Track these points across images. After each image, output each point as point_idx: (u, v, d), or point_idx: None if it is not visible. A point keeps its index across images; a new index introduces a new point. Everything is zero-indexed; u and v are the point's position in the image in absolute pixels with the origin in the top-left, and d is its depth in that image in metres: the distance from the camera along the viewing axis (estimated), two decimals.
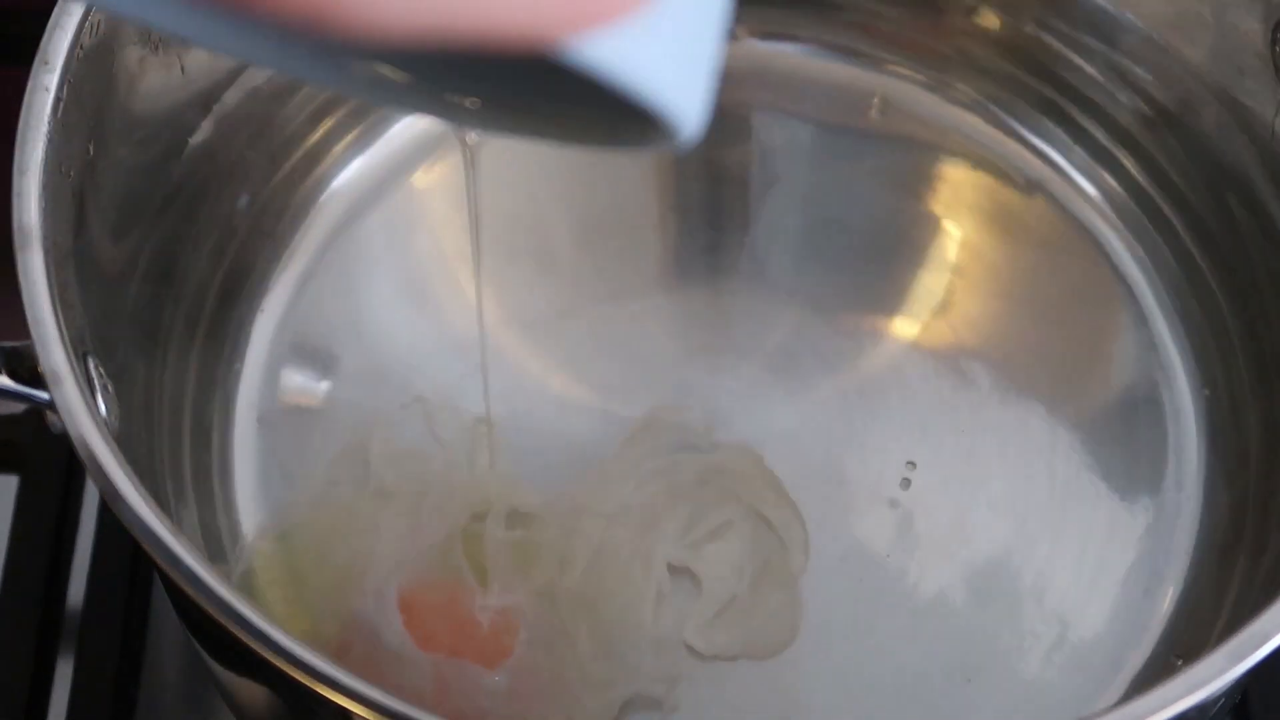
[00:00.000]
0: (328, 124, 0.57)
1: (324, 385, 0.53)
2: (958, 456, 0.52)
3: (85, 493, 0.55)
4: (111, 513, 0.38)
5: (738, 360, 0.54)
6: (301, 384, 0.53)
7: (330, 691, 0.35)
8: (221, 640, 0.39)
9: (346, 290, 0.55)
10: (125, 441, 0.45)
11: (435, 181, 0.57)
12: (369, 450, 0.50)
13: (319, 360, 0.54)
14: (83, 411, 0.39)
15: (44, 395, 0.39)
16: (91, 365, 0.42)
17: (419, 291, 0.55)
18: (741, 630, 0.49)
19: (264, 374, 0.53)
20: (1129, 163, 0.57)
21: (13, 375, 0.40)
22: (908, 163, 0.58)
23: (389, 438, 0.51)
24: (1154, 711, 0.36)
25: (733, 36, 0.59)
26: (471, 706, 0.46)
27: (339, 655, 0.46)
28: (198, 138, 0.52)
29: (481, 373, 0.50)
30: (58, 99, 0.43)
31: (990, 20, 0.57)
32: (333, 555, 0.48)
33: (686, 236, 0.56)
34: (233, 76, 0.52)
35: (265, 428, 0.52)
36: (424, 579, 0.47)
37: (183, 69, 0.50)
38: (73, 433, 0.39)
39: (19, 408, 0.52)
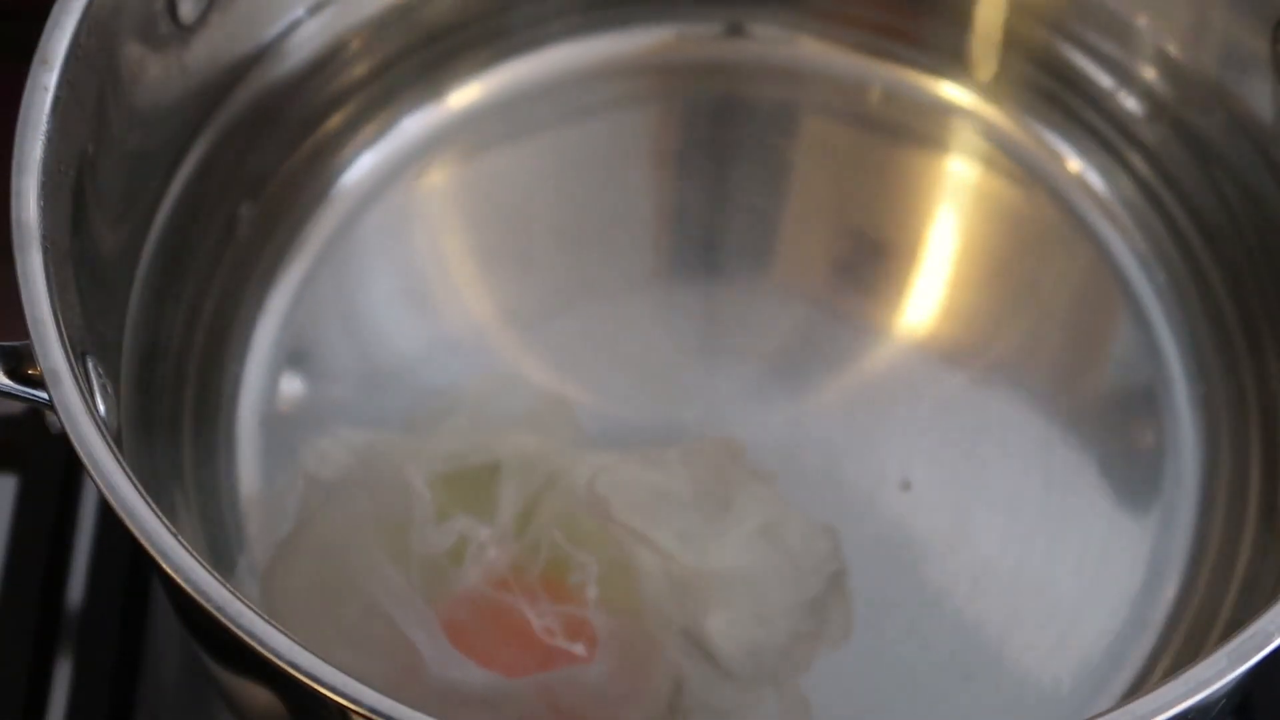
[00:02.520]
0: (328, 124, 0.57)
1: (325, 387, 0.53)
2: (958, 455, 0.52)
3: (85, 493, 0.55)
4: (111, 513, 0.38)
5: (736, 359, 0.54)
6: (302, 385, 0.53)
7: (330, 692, 0.35)
8: (221, 641, 0.39)
9: (348, 291, 0.55)
10: (124, 442, 0.45)
11: (436, 181, 0.57)
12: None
13: (320, 362, 0.54)
14: (82, 411, 0.39)
15: (43, 395, 0.39)
16: (91, 365, 0.42)
17: (420, 293, 0.55)
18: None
19: (265, 375, 0.53)
20: (1131, 159, 0.57)
21: (12, 375, 0.40)
22: (909, 157, 0.58)
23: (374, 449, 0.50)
24: (1154, 712, 0.36)
25: (732, 30, 0.59)
26: (583, 701, 0.46)
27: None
28: (197, 137, 0.52)
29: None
30: (57, 98, 0.43)
31: (993, 14, 0.57)
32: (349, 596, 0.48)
33: (684, 235, 0.56)
34: (233, 76, 0.52)
35: (266, 429, 0.52)
36: (456, 604, 0.47)
37: (183, 68, 0.50)
38: (72, 433, 0.39)
39: (18, 408, 0.52)
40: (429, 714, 0.35)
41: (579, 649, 0.46)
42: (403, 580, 0.46)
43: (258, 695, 0.42)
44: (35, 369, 0.39)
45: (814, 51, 0.59)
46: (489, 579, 0.47)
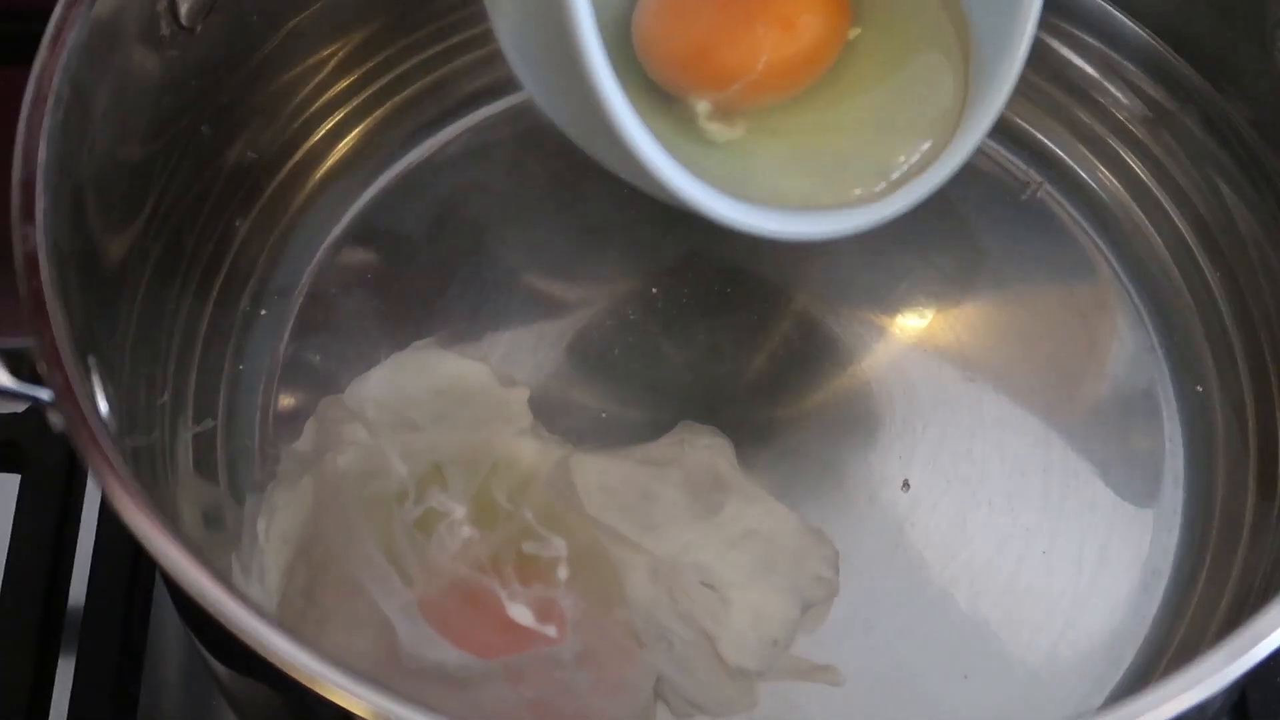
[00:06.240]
0: (328, 124, 0.57)
1: (323, 386, 0.53)
2: (957, 456, 0.52)
3: (86, 491, 0.55)
4: (112, 511, 0.38)
5: (738, 359, 0.54)
6: (301, 384, 0.53)
7: (330, 691, 0.35)
8: (222, 640, 0.39)
9: (345, 292, 0.55)
10: (126, 440, 0.45)
11: (434, 183, 0.57)
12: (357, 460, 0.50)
13: (318, 361, 0.54)
14: (83, 410, 0.39)
15: (44, 394, 0.39)
16: (91, 365, 0.42)
17: (416, 291, 0.55)
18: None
19: (265, 375, 0.53)
20: (1127, 159, 0.57)
21: (13, 375, 0.40)
22: None
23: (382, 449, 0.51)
24: (1152, 711, 0.36)
25: None
26: (552, 683, 0.46)
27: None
28: (198, 138, 0.52)
29: None
30: (58, 98, 0.43)
31: None
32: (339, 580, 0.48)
33: (686, 235, 0.56)
34: (234, 78, 0.53)
35: (265, 427, 0.52)
36: (434, 584, 0.47)
37: (184, 69, 0.50)
38: (72, 432, 0.39)
39: (20, 407, 0.52)
40: (407, 696, 0.35)
41: (550, 630, 0.46)
42: (383, 560, 0.47)
43: (258, 695, 0.43)
44: (36, 369, 0.39)
45: None
46: (465, 560, 0.47)
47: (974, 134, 0.48)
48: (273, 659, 0.36)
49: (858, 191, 0.48)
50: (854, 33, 0.50)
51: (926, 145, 0.49)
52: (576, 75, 0.42)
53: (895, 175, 0.48)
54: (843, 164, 0.49)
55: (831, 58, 0.50)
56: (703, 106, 0.49)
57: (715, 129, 0.49)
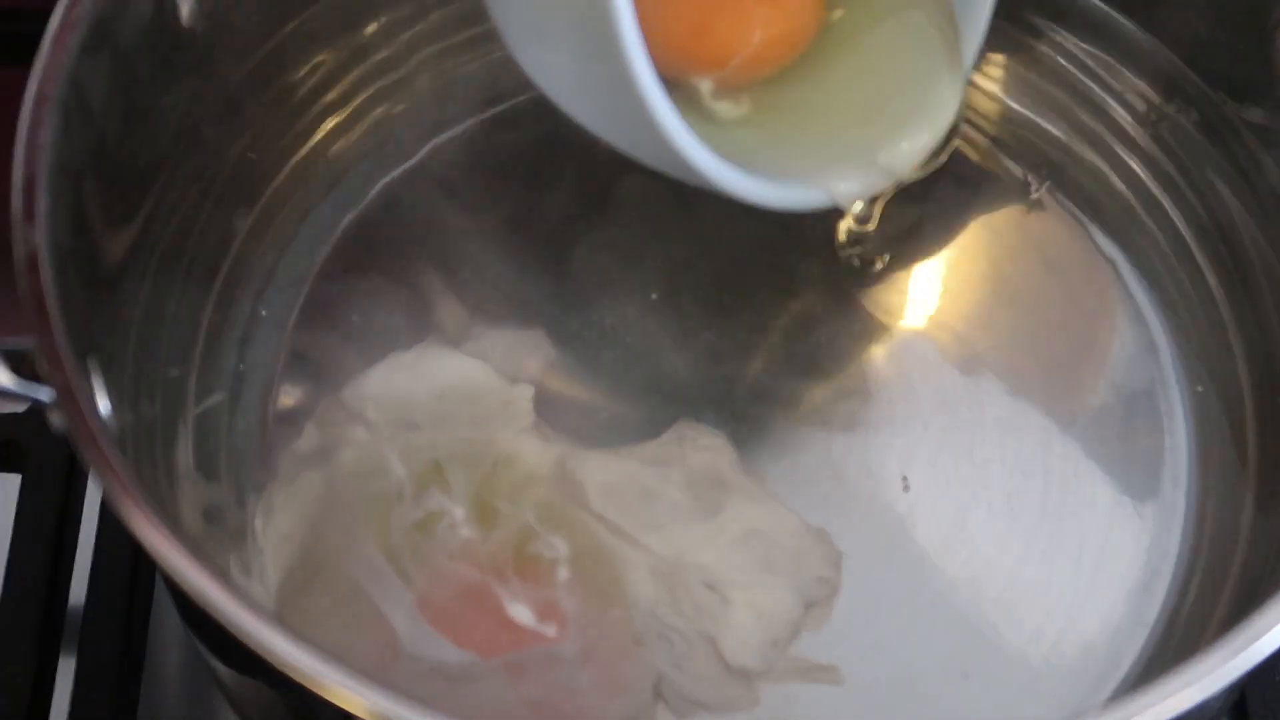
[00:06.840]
0: (330, 123, 0.57)
1: (324, 386, 0.53)
2: (957, 456, 0.52)
3: (87, 492, 0.55)
4: (113, 512, 0.38)
5: (738, 358, 0.54)
6: (301, 385, 0.53)
7: (330, 691, 0.35)
8: (223, 640, 0.39)
9: (350, 292, 0.55)
10: (126, 440, 0.45)
11: (434, 183, 0.57)
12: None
13: (318, 361, 0.54)
14: (83, 410, 0.39)
15: (45, 394, 0.39)
16: (92, 364, 0.42)
17: (417, 293, 0.55)
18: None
19: (266, 374, 0.53)
20: (1127, 159, 0.57)
21: (14, 374, 0.40)
22: None
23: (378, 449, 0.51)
24: (1153, 710, 0.36)
25: None
26: (552, 682, 0.46)
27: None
28: (199, 138, 0.52)
29: None
30: (58, 98, 0.43)
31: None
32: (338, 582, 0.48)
33: (686, 237, 0.56)
34: (234, 78, 0.53)
35: (265, 427, 0.52)
36: (434, 583, 0.47)
37: (184, 69, 0.50)
38: (73, 432, 0.39)
39: (20, 407, 0.52)
40: (407, 696, 0.35)
41: (549, 630, 0.46)
42: (382, 560, 0.47)
43: (259, 695, 0.43)
44: (36, 369, 0.39)
45: None
46: (464, 559, 0.47)
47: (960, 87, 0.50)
48: (273, 659, 0.36)
49: (863, 157, 0.49)
50: (837, 14, 0.51)
51: (920, 107, 0.49)
52: (605, 59, 0.42)
53: (895, 138, 0.49)
54: (847, 131, 0.50)
55: (817, 24, 0.50)
56: (706, 86, 0.49)
57: (723, 107, 0.49)
